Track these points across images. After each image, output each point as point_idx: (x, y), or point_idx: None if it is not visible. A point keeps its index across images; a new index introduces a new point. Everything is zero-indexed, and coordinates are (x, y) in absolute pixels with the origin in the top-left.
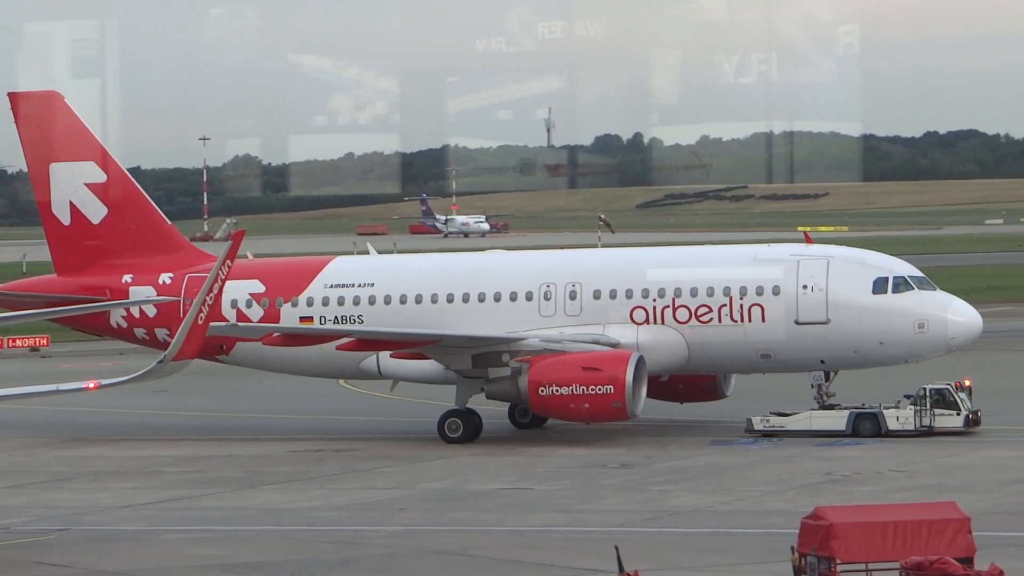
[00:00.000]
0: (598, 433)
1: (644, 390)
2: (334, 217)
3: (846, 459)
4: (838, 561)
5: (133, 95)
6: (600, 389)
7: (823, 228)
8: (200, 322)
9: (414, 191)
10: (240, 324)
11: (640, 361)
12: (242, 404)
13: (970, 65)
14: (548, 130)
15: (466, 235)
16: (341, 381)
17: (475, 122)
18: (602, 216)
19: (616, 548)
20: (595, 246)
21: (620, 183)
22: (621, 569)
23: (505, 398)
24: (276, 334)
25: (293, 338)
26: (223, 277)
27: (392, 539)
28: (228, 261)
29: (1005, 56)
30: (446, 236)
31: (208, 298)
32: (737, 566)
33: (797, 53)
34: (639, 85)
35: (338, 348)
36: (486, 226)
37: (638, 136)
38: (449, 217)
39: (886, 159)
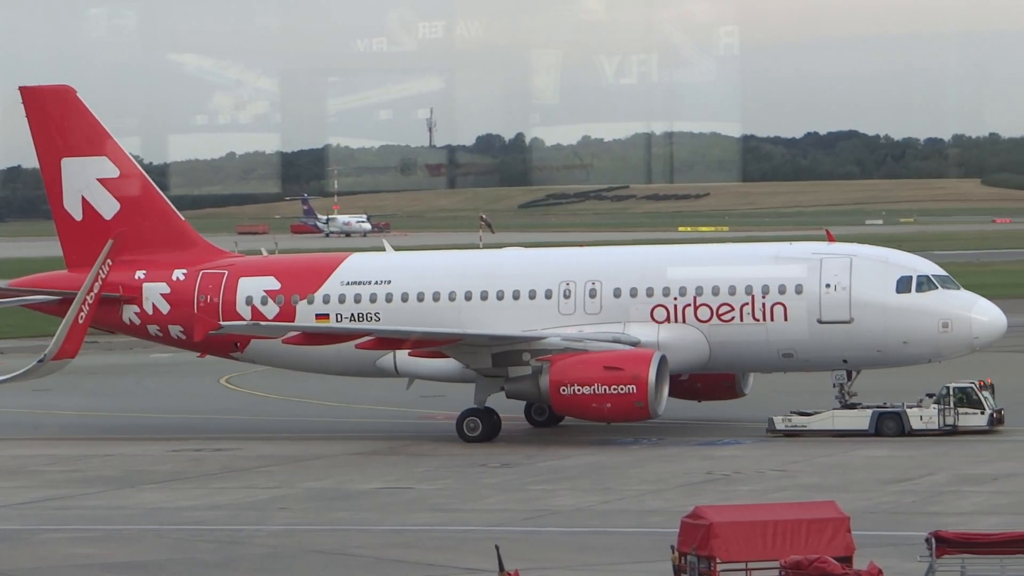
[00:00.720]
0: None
1: (666, 389)
2: (215, 216)
3: (726, 458)
4: (718, 560)
5: (12, 94)
6: (622, 388)
7: (704, 228)
8: (80, 321)
9: (295, 191)
10: (262, 323)
11: (663, 360)
12: (123, 403)
13: (851, 66)
14: (430, 130)
15: (348, 235)
16: (222, 380)
17: (356, 122)
18: (483, 216)
19: (496, 547)
20: (477, 246)
21: (501, 183)
22: (501, 568)
23: (526, 397)
24: (295, 333)
25: (313, 336)
26: (103, 276)
27: (272, 538)
28: (108, 260)
29: (885, 58)
30: (327, 236)
31: (88, 297)
32: (617, 565)
33: (677, 54)
34: (520, 85)
35: (357, 347)
36: (367, 226)
37: (520, 136)
38: (331, 217)
39: (767, 159)
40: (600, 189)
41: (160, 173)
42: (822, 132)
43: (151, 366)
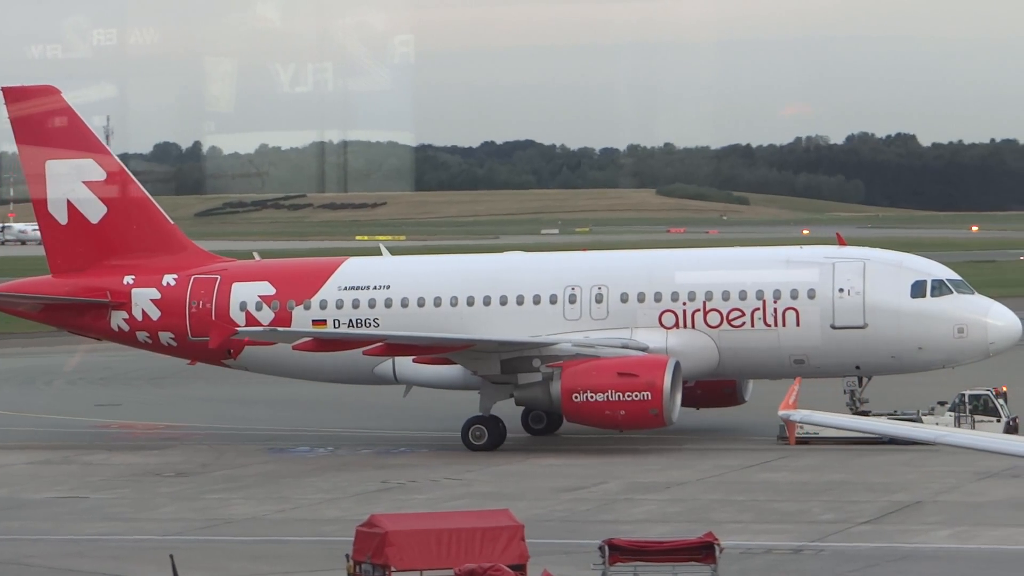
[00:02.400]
0: (151, 441)
1: (679, 396)
2: None
3: (402, 467)
4: (393, 569)
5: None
6: (637, 396)
7: (381, 237)
8: None
9: None
10: (280, 329)
11: (677, 366)
12: None
13: (527, 77)
14: (107, 138)
15: (23, 243)
16: None
17: None
18: None
19: (171, 556)
20: None
21: (178, 191)
22: None
23: (536, 405)
24: (307, 339)
25: (325, 343)
26: None
27: None
28: None
29: (561, 68)
30: (3, 244)
31: None
32: (292, 574)
33: (353, 63)
34: (196, 93)
35: (365, 353)
36: None
37: (197, 144)
38: (6, 224)
39: (443, 169)
40: (277, 198)
41: None
42: (499, 142)
43: None
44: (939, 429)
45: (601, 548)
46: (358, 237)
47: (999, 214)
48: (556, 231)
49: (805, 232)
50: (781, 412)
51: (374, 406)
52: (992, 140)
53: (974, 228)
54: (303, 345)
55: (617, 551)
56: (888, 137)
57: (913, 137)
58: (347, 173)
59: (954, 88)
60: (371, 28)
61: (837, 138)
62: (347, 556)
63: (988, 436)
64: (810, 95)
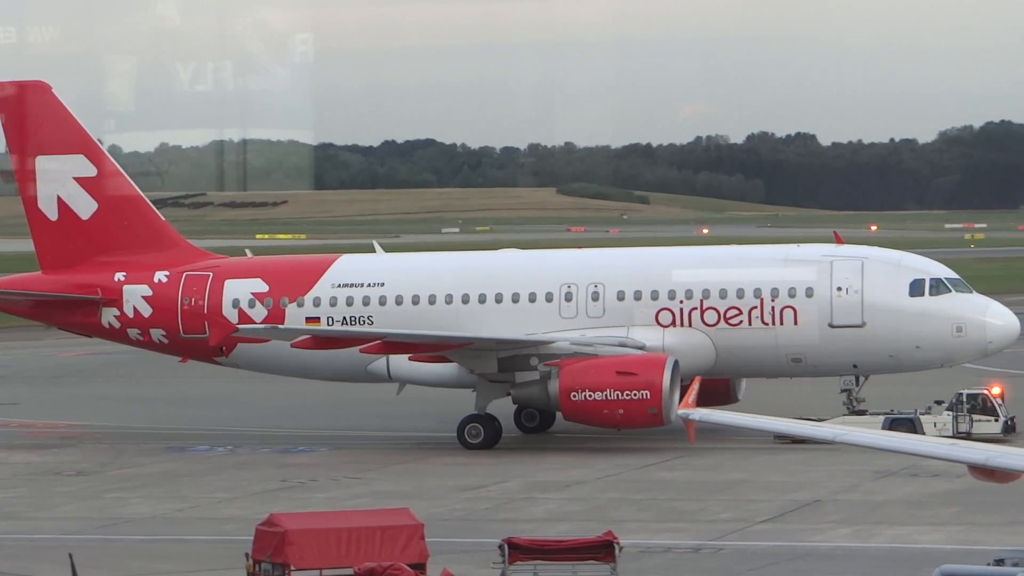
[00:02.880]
0: (50, 440)
1: (678, 395)
2: None
3: (301, 466)
4: (292, 568)
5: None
6: (636, 395)
7: (282, 236)
8: None
9: None
10: (280, 327)
11: (675, 365)
12: None
13: (427, 76)
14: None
15: None
16: None
17: None
18: None
19: (70, 556)
20: None
21: None
22: None
23: (533, 403)
24: (306, 337)
25: (324, 340)
26: None
27: None
28: None
29: (461, 67)
30: None
31: None
32: (192, 573)
33: (253, 62)
34: (95, 91)
35: (362, 351)
36: None
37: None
38: None
39: (344, 168)
40: (177, 196)
41: None
42: (399, 141)
43: None
44: (838, 428)
45: (501, 547)
46: (258, 236)
47: (898, 213)
48: (457, 230)
49: (704, 231)
50: (680, 411)
51: (276, 406)
52: (891, 140)
53: (873, 227)
54: (301, 343)
55: (517, 550)
56: (788, 136)
57: (813, 137)
58: (247, 172)
59: (854, 88)
60: (270, 27)
61: (737, 137)
62: (247, 555)
63: (886, 435)
64: (710, 95)
